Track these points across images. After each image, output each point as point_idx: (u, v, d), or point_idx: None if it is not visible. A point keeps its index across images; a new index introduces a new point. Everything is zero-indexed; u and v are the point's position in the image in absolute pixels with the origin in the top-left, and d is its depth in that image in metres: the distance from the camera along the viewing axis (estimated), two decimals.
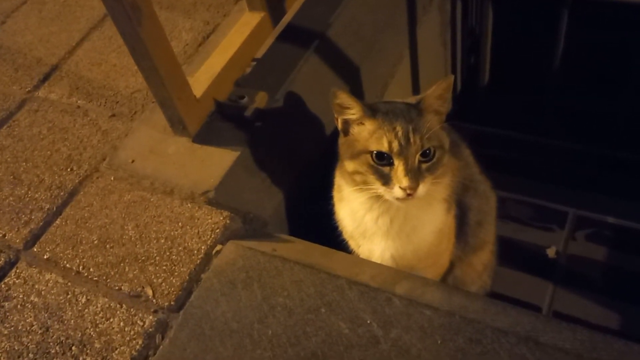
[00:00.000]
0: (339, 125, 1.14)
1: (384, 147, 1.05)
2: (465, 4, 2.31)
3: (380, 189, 1.07)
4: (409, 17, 1.96)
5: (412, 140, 1.04)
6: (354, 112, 1.09)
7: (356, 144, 1.10)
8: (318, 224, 1.29)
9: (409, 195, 1.04)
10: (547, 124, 2.29)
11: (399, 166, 1.04)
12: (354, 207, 1.19)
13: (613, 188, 2.02)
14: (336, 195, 1.26)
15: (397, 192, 1.05)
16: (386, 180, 1.06)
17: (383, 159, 1.05)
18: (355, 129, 1.11)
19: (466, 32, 2.38)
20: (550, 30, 2.17)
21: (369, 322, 1.07)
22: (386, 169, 1.06)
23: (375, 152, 1.06)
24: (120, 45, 1.73)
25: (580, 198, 2.02)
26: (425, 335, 1.04)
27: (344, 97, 1.08)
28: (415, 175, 1.04)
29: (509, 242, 1.80)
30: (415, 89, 2.12)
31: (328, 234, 1.28)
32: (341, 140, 1.16)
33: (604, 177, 2.09)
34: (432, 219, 1.19)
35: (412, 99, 1.13)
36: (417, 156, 1.05)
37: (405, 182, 1.03)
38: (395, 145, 1.04)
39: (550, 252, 1.90)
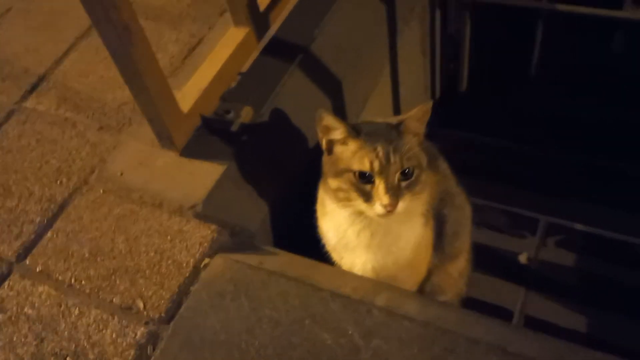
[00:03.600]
0: (323, 145, 1.19)
1: (366, 167, 1.11)
2: (445, 13, 2.38)
3: (362, 205, 1.13)
4: (389, 28, 2.01)
5: (392, 160, 1.10)
6: (339, 133, 1.15)
7: (339, 162, 1.16)
8: (302, 236, 1.34)
9: (389, 211, 1.10)
10: (522, 131, 2.36)
11: (380, 184, 1.10)
12: (337, 222, 1.25)
13: (583, 195, 2.10)
14: (320, 209, 1.31)
15: (378, 208, 1.11)
16: (368, 198, 1.12)
17: (365, 177, 1.11)
18: (339, 149, 1.17)
19: (445, 41, 2.45)
20: (526, 39, 2.24)
21: (350, 332, 1.13)
22: (368, 187, 1.12)
23: (357, 171, 1.12)
24: (107, 56, 1.70)
25: (551, 205, 2.10)
26: (404, 345, 1.10)
27: (329, 120, 1.14)
28: (395, 193, 1.10)
29: (482, 249, 1.87)
30: (395, 98, 2.18)
31: (312, 245, 1.34)
32: (325, 158, 1.21)
33: (574, 185, 2.17)
34: (411, 232, 1.25)
35: (393, 119, 1.19)
36: (397, 175, 1.11)
37: (385, 199, 1.09)
38: (376, 164, 1.10)
39: (522, 258, 1.98)
